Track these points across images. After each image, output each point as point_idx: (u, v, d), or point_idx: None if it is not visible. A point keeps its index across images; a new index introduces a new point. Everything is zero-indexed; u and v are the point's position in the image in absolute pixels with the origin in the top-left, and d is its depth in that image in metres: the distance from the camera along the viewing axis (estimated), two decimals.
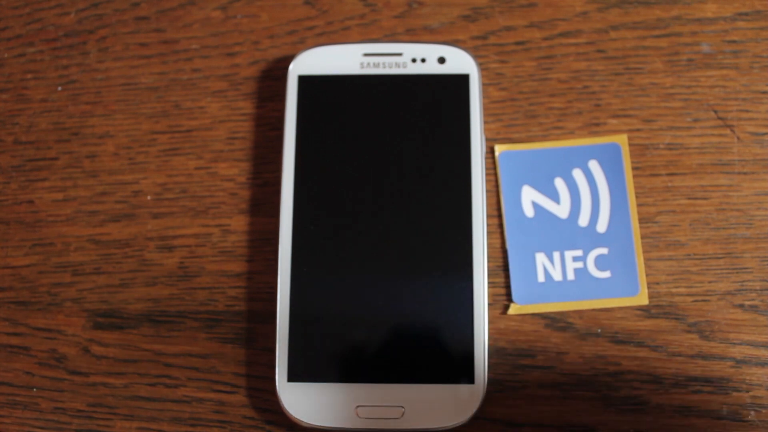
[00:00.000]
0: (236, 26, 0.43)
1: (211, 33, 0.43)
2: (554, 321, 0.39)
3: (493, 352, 0.38)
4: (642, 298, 0.38)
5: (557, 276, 0.39)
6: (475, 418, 0.37)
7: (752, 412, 0.37)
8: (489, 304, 0.39)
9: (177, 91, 0.42)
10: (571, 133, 0.41)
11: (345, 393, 0.37)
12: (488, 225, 0.39)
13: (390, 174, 0.39)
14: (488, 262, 0.39)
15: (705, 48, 0.41)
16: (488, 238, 0.39)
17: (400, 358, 0.37)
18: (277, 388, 0.37)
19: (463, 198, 0.39)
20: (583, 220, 0.39)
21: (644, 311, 0.39)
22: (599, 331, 0.38)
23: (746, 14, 0.42)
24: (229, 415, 0.38)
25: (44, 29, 0.43)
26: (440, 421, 0.37)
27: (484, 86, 0.41)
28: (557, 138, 0.40)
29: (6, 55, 0.43)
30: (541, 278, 0.39)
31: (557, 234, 0.39)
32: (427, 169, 0.39)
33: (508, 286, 0.39)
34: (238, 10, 0.43)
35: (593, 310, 0.39)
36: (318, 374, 0.37)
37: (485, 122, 0.41)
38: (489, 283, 0.39)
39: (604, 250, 0.39)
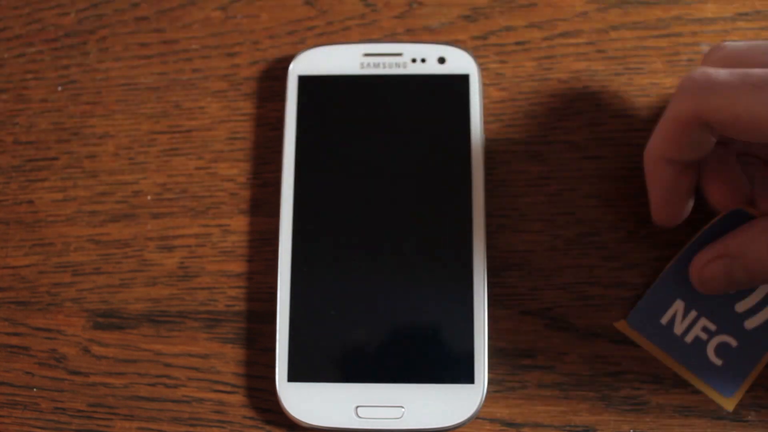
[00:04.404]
0: (236, 26, 0.43)
1: (211, 33, 0.43)
2: (554, 321, 0.39)
3: (493, 352, 0.38)
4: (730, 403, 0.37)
5: (678, 330, 0.38)
6: (475, 418, 0.37)
7: (752, 412, 0.37)
8: (489, 304, 0.38)
9: (177, 91, 0.42)
10: (570, 133, 0.40)
11: (345, 393, 0.37)
12: (488, 225, 0.39)
13: (390, 174, 0.39)
14: (488, 262, 0.39)
15: (705, 48, 0.41)
16: (488, 238, 0.39)
17: (400, 358, 0.37)
18: (277, 388, 0.37)
19: (463, 198, 0.39)
20: (751, 322, 0.37)
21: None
22: (599, 331, 0.38)
23: (746, 14, 0.42)
24: (229, 415, 0.38)
25: (44, 29, 0.43)
26: (440, 421, 0.37)
27: (484, 86, 0.41)
28: (557, 138, 0.40)
29: (6, 55, 0.43)
30: (664, 320, 0.38)
31: (714, 300, 0.38)
32: (427, 169, 0.39)
33: (508, 286, 0.39)
34: (238, 10, 0.43)
35: (593, 310, 0.39)
36: (318, 374, 0.37)
37: (485, 122, 0.41)
38: (489, 283, 0.39)
39: (731, 341, 0.37)
